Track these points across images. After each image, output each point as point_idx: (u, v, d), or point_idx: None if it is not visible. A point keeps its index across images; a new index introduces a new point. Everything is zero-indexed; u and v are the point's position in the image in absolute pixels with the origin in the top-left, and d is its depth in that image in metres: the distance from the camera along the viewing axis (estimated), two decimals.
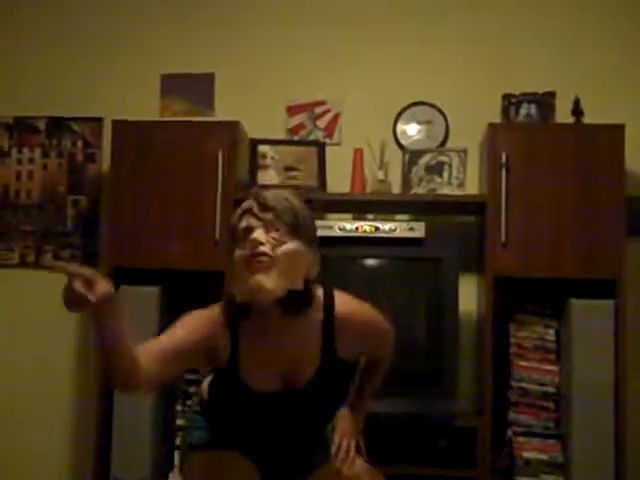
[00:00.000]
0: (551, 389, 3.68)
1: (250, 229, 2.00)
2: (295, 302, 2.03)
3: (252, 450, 2.22)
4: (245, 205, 2.07)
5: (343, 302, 2.14)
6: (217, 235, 3.80)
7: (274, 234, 2.00)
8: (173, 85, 4.39)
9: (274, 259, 1.97)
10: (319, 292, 2.13)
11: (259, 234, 1.98)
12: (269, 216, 2.00)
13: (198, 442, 2.28)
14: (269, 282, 1.95)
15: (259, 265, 1.96)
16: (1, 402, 4.31)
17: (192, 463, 2.27)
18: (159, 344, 2.02)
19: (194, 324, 2.10)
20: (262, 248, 1.97)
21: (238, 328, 2.11)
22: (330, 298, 2.13)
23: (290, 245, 2.00)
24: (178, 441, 3.79)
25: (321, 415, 2.26)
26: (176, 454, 3.79)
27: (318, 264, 2.09)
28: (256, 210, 2.02)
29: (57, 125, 4.40)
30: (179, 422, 3.83)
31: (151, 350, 1.97)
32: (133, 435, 3.70)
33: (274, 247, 1.98)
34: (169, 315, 3.88)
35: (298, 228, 2.02)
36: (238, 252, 2.00)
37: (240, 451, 2.20)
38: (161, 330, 3.68)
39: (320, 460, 2.36)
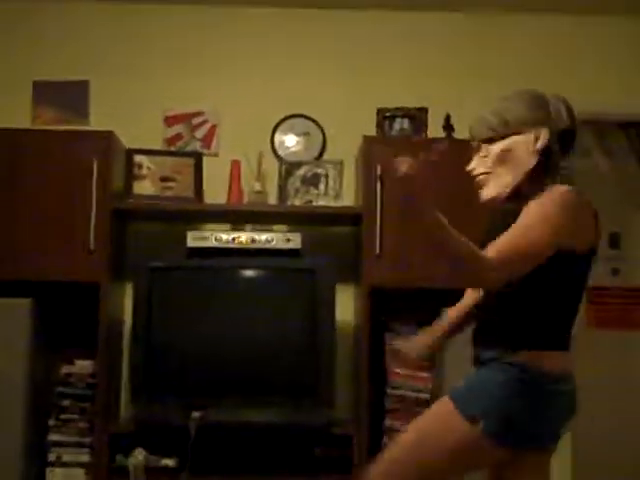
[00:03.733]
0: (425, 395, 3.78)
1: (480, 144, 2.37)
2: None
3: None
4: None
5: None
6: (92, 245, 3.74)
7: (482, 153, 2.35)
8: (46, 92, 4.28)
9: (486, 174, 2.35)
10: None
11: (472, 163, 2.38)
12: (474, 144, 2.38)
13: None
14: (488, 192, 2.35)
15: (479, 184, 2.38)
16: None
17: None
18: None
19: None
20: (474, 172, 2.37)
21: None
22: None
23: (491, 156, 2.32)
24: (51, 457, 3.71)
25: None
26: (47, 471, 3.70)
27: (545, 133, 2.28)
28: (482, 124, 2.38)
29: None
30: (52, 438, 3.73)
31: None
32: (1, 452, 3.57)
33: (484, 163, 2.34)
34: (43, 328, 3.80)
35: (493, 136, 2.32)
36: (472, 164, 2.41)
37: None
38: (33, 345, 3.64)
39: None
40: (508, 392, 2.16)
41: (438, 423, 2.24)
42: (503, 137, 2.30)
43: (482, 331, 2.35)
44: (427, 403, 3.76)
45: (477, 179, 2.37)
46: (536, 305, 2.23)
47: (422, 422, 2.28)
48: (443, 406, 2.25)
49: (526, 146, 2.27)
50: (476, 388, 2.23)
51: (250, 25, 4.36)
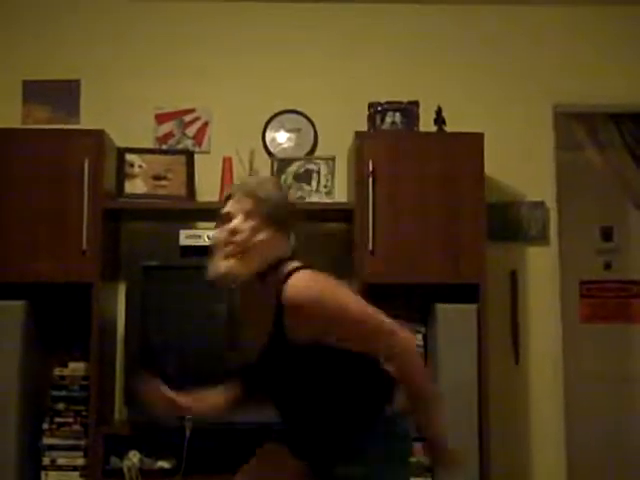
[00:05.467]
0: None
1: (231, 216, 2.19)
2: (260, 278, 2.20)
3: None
4: (231, 190, 2.27)
5: (292, 285, 2.13)
6: (84, 245, 3.72)
7: (251, 222, 2.17)
8: (36, 92, 4.26)
9: (248, 247, 2.16)
10: (287, 268, 2.19)
11: (237, 223, 2.17)
12: (248, 206, 2.18)
13: None
14: (237, 268, 2.15)
15: (232, 252, 2.16)
16: None
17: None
18: None
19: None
20: (237, 237, 2.15)
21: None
22: (285, 280, 2.14)
23: (263, 235, 2.17)
24: (45, 460, 3.69)
25: (292, 398, 2.26)
26: (42, 475, 3.69)
27: (290, 245, 2.27)
28: (238, 197, 2.21)
29: None
30: (46, 441, 3.72)
31: None
32: None
33: (249, 236, 2.16)
34: (36, 329, 3.78)
35: (273, 217, 2.20)
36: (216, 233, 2.22)
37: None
38: (26, 347, 3.62)
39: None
40: None
41: None
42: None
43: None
44: None
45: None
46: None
47: None
48: None
49: None
50: None
51: (240, 20, 4.35)
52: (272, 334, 2.17)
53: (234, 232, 2.17)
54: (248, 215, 2.19)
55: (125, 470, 3.59)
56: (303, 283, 2.13)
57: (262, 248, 2.18)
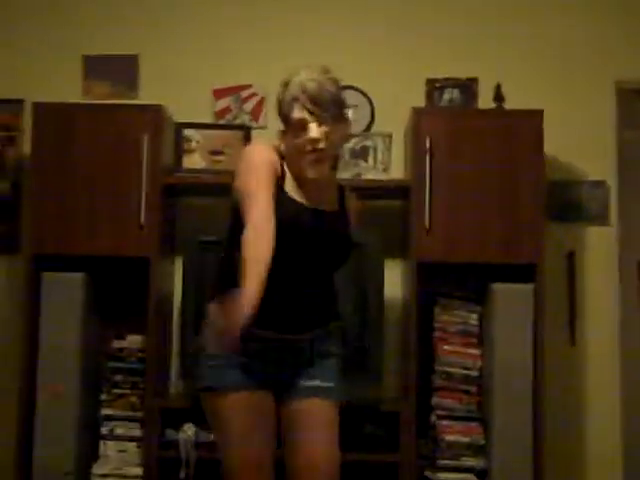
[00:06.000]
0: (474, 373, 3.75)
1: (304, 122, 2.34)
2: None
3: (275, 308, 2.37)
4: (294, 92, 2.36)
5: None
6: (142, 220, 3.76)
7: (324, 127, 2.34)
8: (96, 67, 4.30)
9: (327, 151, 2.37)
10: None
11: (315, 131, 2.33)
12: (317, 110, 2.34)
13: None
14: (324, 170, 2.39)
15: (318, 158, 2.36)
16: None
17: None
18: (268, 206, 2.29)
19: (267, 168, 2.36)
20: (320, 145, 2.34)
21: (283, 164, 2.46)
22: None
23: (337, 134, 2.39)
24: (104, 430, 3.77)
25: (332, 256, 2.46)
26: (101, 444, 3.77)
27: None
28: (305, 102, 2.34)
29: None
30: (104, 412, 3.80)
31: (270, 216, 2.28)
32: (56, 425, 3.65)
33: (326, 139, 2.35)
34: (95, 302, 3.85)
35: (340, 116, 2.41)
36: (295, 140, 2.36)
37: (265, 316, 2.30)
38: (85, 319, 3.69)
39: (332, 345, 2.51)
40: None
41: None
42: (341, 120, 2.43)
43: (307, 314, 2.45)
44: (476, 380, 3.75)
45: (320, 154, 2.38)
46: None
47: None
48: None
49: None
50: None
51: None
52: (339, 210, 2.52)
53: (315, 141, 2.34)
54: (320, 121, 2.34)
55: (181, 442, 3.65)
56: None
57: (334, 148, 2.43)
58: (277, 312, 2.37)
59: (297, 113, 2.35)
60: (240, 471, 2.33)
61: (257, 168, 2.34)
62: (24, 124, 4.20)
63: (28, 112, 4.00)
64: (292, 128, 2.37)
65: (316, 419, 2.40)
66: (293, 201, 2.39)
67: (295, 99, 2.35)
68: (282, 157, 2.43)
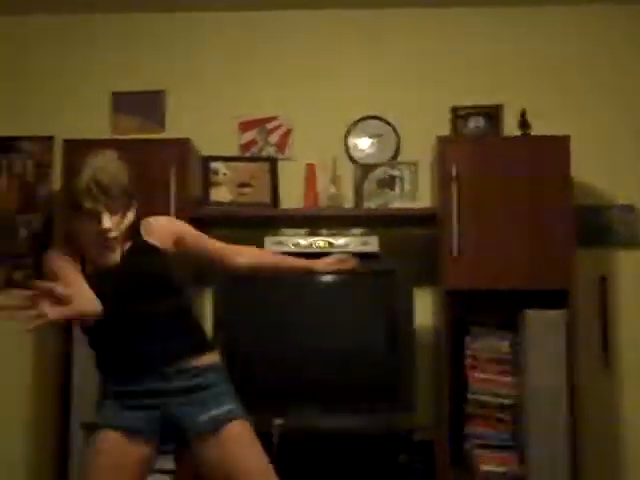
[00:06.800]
0: (507, 401, 3.70)
1: (95, 213, 2.42)
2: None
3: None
4: (86, 182, 2.41)
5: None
6: None
7: (116, 217, 2.46)
8: (124, 103, 4.36)
9: (118, 239, 2.50)
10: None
11: (108, 222, 2.43)
12: (109, 201, 2.43)
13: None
14: (115, 256, 2.51)
15: (110, 246, 2.49)
16: None
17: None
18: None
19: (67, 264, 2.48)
20: (112, 234, 2.46)
21: None
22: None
23: (128, 218, 2.52)
24: None
25: (147, 294, 2.52)
26: None
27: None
28: (96, 192, 2.41)
29: (7, 145, 4.35)
30: None
31: None
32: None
33: (118, 225, 2.47)
34: None
35: (130, 200, 2.52)
36: (89, 227, 2.44)
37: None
38: None
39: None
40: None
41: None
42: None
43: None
44: (509, 408, 3.70)
45: (112, 242, 2.50)
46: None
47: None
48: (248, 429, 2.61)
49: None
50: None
51: (321, 29, 4.36)
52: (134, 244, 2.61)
53: (107, 231, 2.44)
54: (111, 212, 2.44)
55: None
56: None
57: (123, 235, 2.53)
58: (126, 368, 2.52)
59: (89, 204, 2.41)
60: None
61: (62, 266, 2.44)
62: (55, 160, 4.27)
63: (59, 148, 4.07)
64: (83, 217, 2.43)
65: (236, 441, 2.54)
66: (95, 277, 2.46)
67: (88, 189, 2.40)
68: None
